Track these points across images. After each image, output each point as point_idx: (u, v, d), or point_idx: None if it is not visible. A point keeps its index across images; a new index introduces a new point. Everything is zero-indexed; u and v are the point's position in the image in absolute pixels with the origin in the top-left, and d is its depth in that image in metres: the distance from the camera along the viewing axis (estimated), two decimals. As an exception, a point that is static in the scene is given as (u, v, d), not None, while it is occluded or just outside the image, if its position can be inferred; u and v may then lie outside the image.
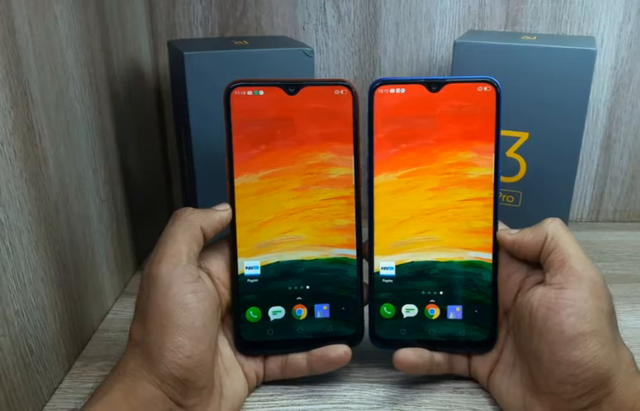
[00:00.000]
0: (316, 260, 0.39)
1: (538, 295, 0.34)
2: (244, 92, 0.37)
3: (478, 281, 0.39)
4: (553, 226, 0.36)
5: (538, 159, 0.49)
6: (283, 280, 0.39)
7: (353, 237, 0.39)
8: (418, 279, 0.39)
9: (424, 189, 0.38)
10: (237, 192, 0.38)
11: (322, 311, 0.39)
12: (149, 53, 0.59)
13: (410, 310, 0.39)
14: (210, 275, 0.37)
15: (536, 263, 0.37)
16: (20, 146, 0.35)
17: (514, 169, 0.50)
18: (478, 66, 0.47)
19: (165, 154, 0.64)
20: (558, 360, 0.32)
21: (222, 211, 0.37)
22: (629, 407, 0.31)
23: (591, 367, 0.31)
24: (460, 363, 0.40)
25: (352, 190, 0.38)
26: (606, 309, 0.33)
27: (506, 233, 0.38)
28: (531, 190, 0.50)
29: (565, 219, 0.50)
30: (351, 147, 0.38)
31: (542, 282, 0.35)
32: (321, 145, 0.38)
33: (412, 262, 0.39)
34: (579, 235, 0.62)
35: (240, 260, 0.38)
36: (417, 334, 0.39)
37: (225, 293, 0.38)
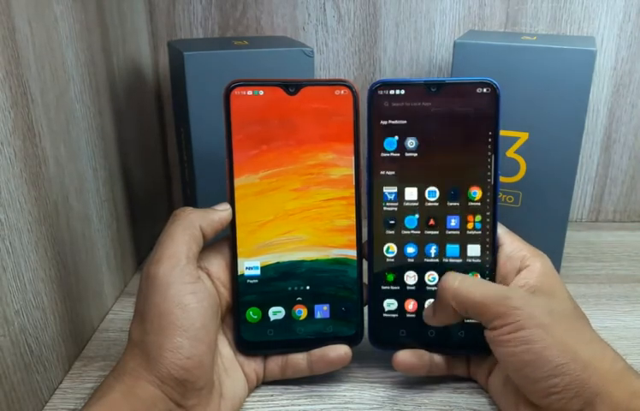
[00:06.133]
0: (316, 261, 0.39)
1: (486, 334, 0.34)
2: (244, 92, 0.37)
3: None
4: (450, 292, 0.35)
5: (538, 159, 0.49)
6: (283, 280, 0.39)
7: (354, 238, 0.39)
8: (421, 280, 0.39)
9: (424, 190, 0.38)
10: (237, 192, 0.38)
11: (322, 311, 0.39)
12: (149, 53, 0.59)
13: (410, 311, 0.39)
14: (209, 275, 0.37)
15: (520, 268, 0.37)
16: (20, 146, 0.35)
17: (514, 169, 0.50)
18: (478, 66, 0.47)
19: (165, 154, 0.64)
20: (531, 380, 0.32)
21: (221, 211, 0.37)
22: (624, 406, 0.31)
23: (566, 373, 0.31)
24: (460, 364, 0.40)
25: (353, 190, 0.38)
26: (546, 322, 0.32)
27: (428, 311, 0.38)
28: (531, 190, 0.50)
29: (565, 219, 0.50)
30: (351, 147, 0.38)
31: None
32: (321, 146, 0.38)
33: (413, 263, 0.39)
34: (579, 234, 0.63)
35: (240, 261, 0.38)
36: (417, 335, 0.39)
37: (225, 293, 0.38)
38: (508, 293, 0.34)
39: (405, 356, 0.38)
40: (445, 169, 0.38)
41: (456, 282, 0.35)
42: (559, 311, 0.34)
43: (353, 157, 0.38)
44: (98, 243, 0.46)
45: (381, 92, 0.38)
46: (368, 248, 0.39)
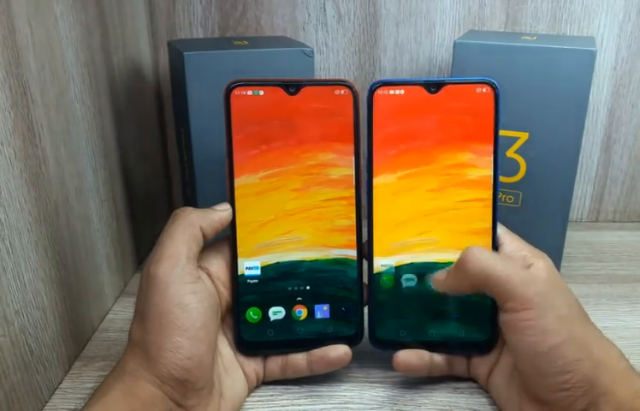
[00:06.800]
0: (316, 261, 0.39)
1: (503, 319, 0.34)
2: (244, 92, 0.37)
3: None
4: (473, 263, 0.34)
5: (538, 159, 0.49)
6: (283, 280, 0.39)
7: (354, 238, 0.39)
8: (418, 280, 0.39)
9: (424, 190, 0.38)
10: (237, 192, 0.38)
11: (322, 311, 0.39)
12: (149, 53, 0.59)
13: (410, 311, 0.39)
14: (209, 275, 0.37)
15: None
16: (20, 146, 0.35)
17: (514, 169, 0.50)
18: (478, 66, 0.47)
19: (165, 154, 0.64)
20: (543, 373, 0.32)
21: (221, 211, 0.37)
22: (627, 406, 0.31)
23: (578, 370, 0.31)
24: (460, 364, 0.40)
25: (353, 191, 0.38)
26: (566, 313, 0.33)
27: (440, 277, 0.37)
28: (531, 190, 0.50)
29: (565, 219, 0.50)
30: (351, 148, 0.38)
31: None
32: (321, 146, 0.38)
33: (412, 263, 0.39)
34: (579, 234, 0.63)
35: (240, 261, 0.38)
36: (417, 335, 0.39)
37: (225, 293, 0.38)
38: (534, 278, 0.34)
39: (405, 356, 0.38)
40: (444, 169, 0.38)
41: (483, 254, 0.34)
42: (575, 306, 0.34)
43: (353, 158, 0.38)
44: (98, 243, 0.46)
45: (380, 92, 0.38)
46: (368, 248, 0.39)
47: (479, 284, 0.34)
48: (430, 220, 0.38)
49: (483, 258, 0.34)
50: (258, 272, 0.39)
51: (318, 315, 0.39)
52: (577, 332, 0.32)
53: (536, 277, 0.34)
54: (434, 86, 0.38)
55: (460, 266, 0.35)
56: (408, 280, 0.39)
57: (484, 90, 0.37)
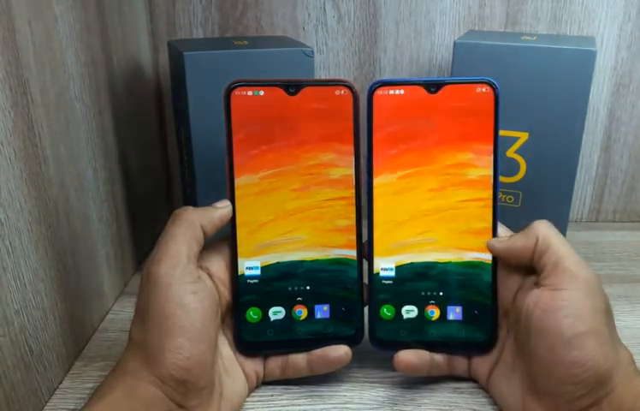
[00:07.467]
0: (316, 261, 0.39)
1: (533, 297, 0.34)
2: (244, 92, 0.37)
3: (478, 281, 0.39)
4: (543, 228, 0.36)
5: (538, 159, 0.49)
6: (283, 280, 0.39)
7: (354, 238, 0.39)
8: (418, 280, 0.39)
9: (424, 190, 0.38)
10: (237, 192, 0.38)
11: (322, 311, 0.39)
12: (149, 53, 0.59)
13: (410, 311, 0.39)
14: (210, 275, 0.37)
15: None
16: (20, 146, 0.35)
17: (514, 169, 0.50)
18: (478, 66, 0.47)
19: (165, 154, 0.64)
20: (557, 361, 0.32)
21: (222, 209, 0.37)
22: (628, 406, 0.31)
23: (591, 367, 0.31)
24: (460, 364, 0.40)
25: (353, 191, 0.38)
26: (602, 308, 0.33)
27: (497, 241, 0.38)
28: (531, 190, 0.50)
29: (566, 219, 0.50)
30: (351, 148, 0.38)
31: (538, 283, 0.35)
32: (321, 146, 0.38)
33: (412, 263, 0.39)
34: (579, 234, 0.63)
35: (240, 261, 0.38)
36: (417, 335, 0.39)
37: (225, 293, 0.38)
38: (584, 264, 0.34)
39: (405, 356, 0.38)
40: (444, 169, 0.38)
41: (552, 227, 0.36)
42: (608, 305, 0.34)
43: (353, 158, 0.38)
44: (98, 243, 0.46)
45: (380, 92, 0.38)
46: (368, 248, 0.39)
47: (539, 251, 0.35)
48: (430, 220, 0.38)
49: (552, 230, 0.36)
50: (258, 272, 0.39)
51: (318, 315, 0.39)
52: (602, 330, 0.32)
53: (585, 265, 0.35)
54: (434, 86, 0.38)
55: (532, 230, 0.36)
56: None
57: (484, 90, 0.37)
